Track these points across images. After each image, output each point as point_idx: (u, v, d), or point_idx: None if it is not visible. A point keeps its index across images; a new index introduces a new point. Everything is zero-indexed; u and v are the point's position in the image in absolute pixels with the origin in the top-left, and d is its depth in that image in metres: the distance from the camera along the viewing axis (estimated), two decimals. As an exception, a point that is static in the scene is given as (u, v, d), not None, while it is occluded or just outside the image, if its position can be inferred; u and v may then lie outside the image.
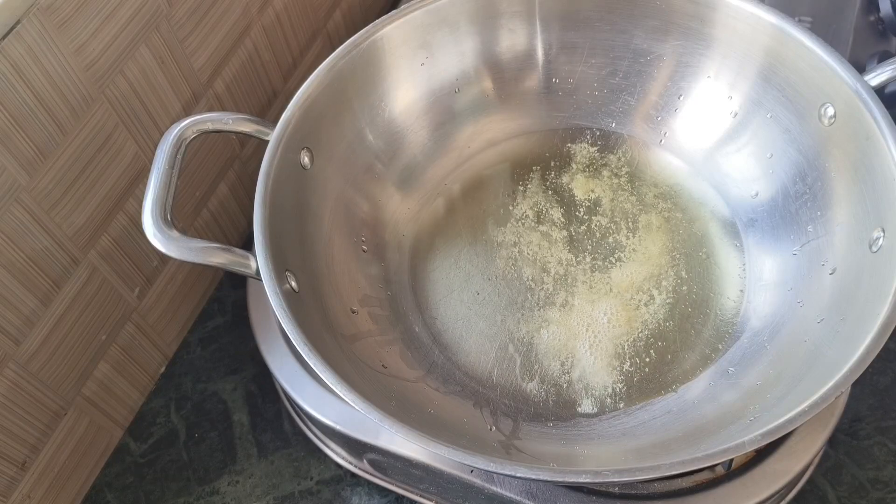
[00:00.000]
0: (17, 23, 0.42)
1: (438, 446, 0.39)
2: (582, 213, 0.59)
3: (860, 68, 0.54)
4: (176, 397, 0.60)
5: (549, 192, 0.60)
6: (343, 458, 0.55)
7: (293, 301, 0.45)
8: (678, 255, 0.57)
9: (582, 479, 0.38)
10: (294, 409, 0.56)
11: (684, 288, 0.55)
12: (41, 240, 0.48)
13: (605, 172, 0.61)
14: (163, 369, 0.62)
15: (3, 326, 0.47)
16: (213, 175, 0.61)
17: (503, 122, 0.62)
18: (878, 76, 0.49)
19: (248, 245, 0.48)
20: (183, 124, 0.48)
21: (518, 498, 0.48)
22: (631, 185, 0.60)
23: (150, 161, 0.50)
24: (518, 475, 0.40)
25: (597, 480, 0.38)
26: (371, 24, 0.55)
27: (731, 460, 0.47)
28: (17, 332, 0.48)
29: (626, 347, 0.53)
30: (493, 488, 0.48)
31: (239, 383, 0.61)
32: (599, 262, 0.57)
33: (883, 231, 0.46)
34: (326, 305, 0.50)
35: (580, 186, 0.60)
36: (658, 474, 0.40)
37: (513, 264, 0.57)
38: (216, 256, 0.45)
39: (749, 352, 0.51)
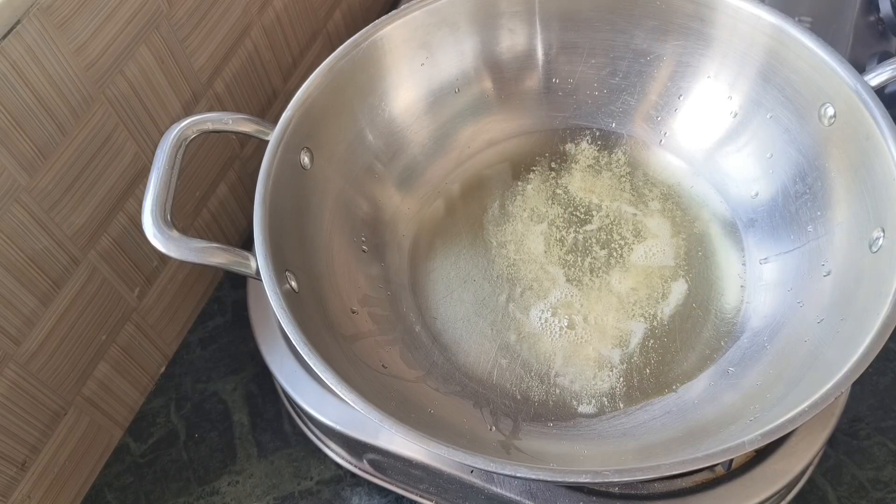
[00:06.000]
0: (17, 23, 0.43)
1: (438, 446, 0.39)
2: (582, 214, 0.59)
3: (860, 68, 0.54)
4: (176, 397, 0.60)
5: (549, 192, 0.60)
6: (343, 458, 0.55)
7: (293, 301, 0.45)
8: (678, 255, 0.57)
9: (582, 479, 0.38)
10: (294, 409, 0.56)
11: (684, 288, 0.55)
12: (41, 240, 0.48)
13: (605, 172, 0.61)
14: (163, 369, 0.62)
15: (3, 326, 0.47)
16: (213, 175, 0.61)
17: (503, 122, 0.62)
18: (878, 76, 0.49)
19: (248, 245, 0.48)
20: (183, 124, 0.48)
21: (518, 498, 0.48)
22: (631, 185, 0.60)
23: (150, 161, 0.50)
24: (518, 475, 0.40)
25: (597, 480, 0.38)
26: (371, 24, 0.55)
27: (731, 460, 0.47)
28: (17, 332, 0.48)
29: (626, 347, 0.53)
30: (493, 488, 0.48)
31: (239, 383, 0.61)
32: (599, 263, 0.57)
33: (883, 231, 0.46)
34: (326, 305, 0.50)
35: (580, 186, 0.60)
36: (658, 474, 0.40)
37: (512, 264, 0.57)
38: (216, 256, 0.45)
39: (749, 352, 0.51)
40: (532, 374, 0.52)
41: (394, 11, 0.56)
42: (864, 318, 0.43)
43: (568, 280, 0.56)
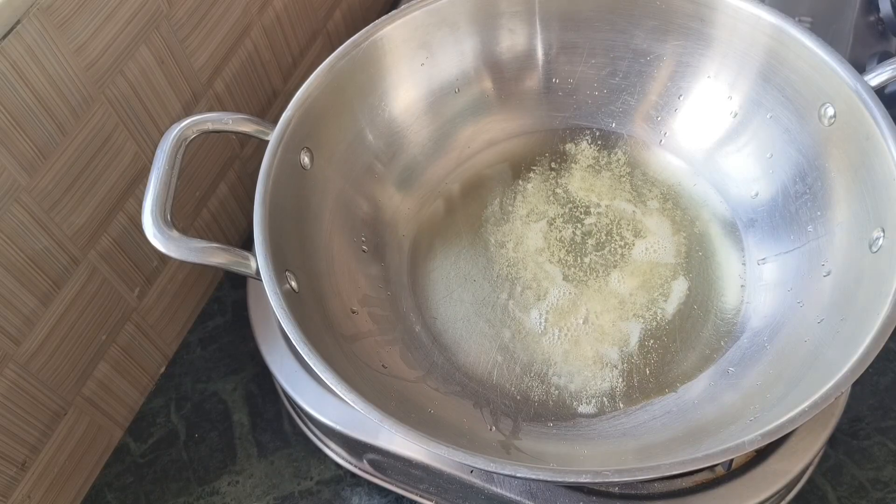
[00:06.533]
0: (17, 23, 0.43)
1: (438, 446, 0.39)
2: (581, 214, 0.59)
3: (860, 68, 0.54)
4: (176, 397, 0.60)
5: (549, 192, 0.60)
6: (343, 458, 0.55)
7: (293, 301, 0.45)
8: (678, 255, 0.57)
9: (582, 479, 0.38)
10: (294, 409, 0.56)
11: (684, 288, 0.55)
12: (41, 240, 0.48)
13: (605, 172, 0.61)
14: (163, 369, 0.62)
15: (3, 326, 0.47)
16: (213, 175, 0.61)
17: (503, 122, 0.62)
18: (878, 76, 0.49)
19: (248, 245, 0.48)
20: (183, 124, 0.48)
21: (518, 498, 0.48)
22: (631, 185, 0.60)
23: (150, 161, 0.50)
24: (518, 475, 0.40)
25: (597, 480, 0.38)
26: (371, 24, 0.55)
27: (731, 460, 0.47)
28: (17, 332, 0.48)
29: (625, 348, 0.53)
30: (493, 488, 0.48)
31: (239, 383, 0.61)
32: (599, 263, 0.57)
33: (883, 231, 0.46)
34: (326, 305, 0.50)
35: (580, 186, 0.60)
36: (658, 474, 0.40)
37: (512, 264, 0.57)
38: (216, 256, 0.45)
39: (749, 352, 0.51)
40: (532, 373, 0.52)
41: (394, 11, 0.56)
42: (864, 318, 0.43)
43: (568, 279, 0.56)
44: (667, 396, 0.51)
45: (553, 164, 0.62)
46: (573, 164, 0.61)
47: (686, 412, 0.49)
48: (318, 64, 0.53)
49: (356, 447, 0.52)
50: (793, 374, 0.46)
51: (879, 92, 0.48)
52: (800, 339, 0.48)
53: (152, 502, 0.56)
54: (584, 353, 0.53)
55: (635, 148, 0.61)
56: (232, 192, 0.64)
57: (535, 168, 0.62)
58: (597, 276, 0.56)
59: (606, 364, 0.52)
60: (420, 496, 0.53)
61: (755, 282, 0.54)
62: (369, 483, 0.55)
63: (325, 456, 0.56)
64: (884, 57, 0.60)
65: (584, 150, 0.62)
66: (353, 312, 0.52)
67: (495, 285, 0.56)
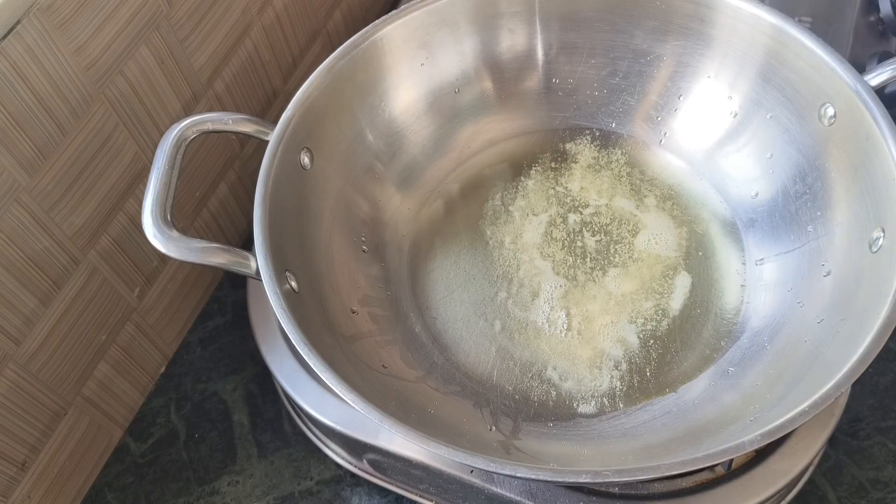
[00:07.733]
0: (17, 23, 0.43)
1: (438, 446, 0.39)
2: (581, 213, 0.59)
3: (860, 68, 0.54)
4: (176, 397, 0.60)
5: (549, 192, 0.60)
6: (343, 458, 0.55)
7: (293, 301, 0.45)
8: (678, 256, 0.57)
9: (582, 479, 0.38)
10: (294, 409, 0.56)
11: (684, 288, 0.55)
12: (41, 240, 0.48)
13: (605, 173, 0.61)
14: (163, 369, 0.62)
15: (3, 326, 0.47)
16: (213, 175, 0.61)
17: (503, 122, 0.62)
18: (878, 76, 0.49)
19: (248, 245, 0.48)
20: (183, 124, 0.48)
21: (518, 498, 0.48)
22: (631, 185, 0.60)
23: (150, 161, 0.50)
24: (518, 475, 0.40)
25: (597, 480, 0.38)
26: (371, 24, 0.55)
27: (731, 460, 0.47)
28: (17, 332, 0.48)
29: (625, 347, 0.53)
30: (493, 488, 0.48)
31: (239, 383, 0.61)
32: (599, 263, 0.57)
33: (883, 231, 0.46)
34: (326, 305, 0.50)
35: (580, 186, 0.60)
36: (658, 474, 0.40)
37: (512, 264, 0.57)
38: (216, 256, 0.45)
39: (749, 352, 0.51)
40: (531, 373, 0.52)
41: (394, 11, 0.56)
42: (864, 318, 0.43)
43: (568, 279, 0.56)
44: (667, 396, 0.51)
45: (553, 164, 0.62)
46: (573, 164, 0.61)
47: (686, 412, 0.49)
48: (318, 64, 0.53)
49: (356, 447, 0.52)
50: (793, 374, 0.46)
51: (879, 92, 0.48)
52: (800, 339, 0.48)
53: (152, 502, 0.56)
54: (583, 353, 0.53)
55: (635, 148, 0.61)
56: (232, 192, 0.64)
57: (534, 168, 0.62)
58: (597, 275, 0.56)
59: (606, 364, 0.52)
60: (420, 496, 0.53)
61: (755, 282, 0.54)
62: (369, 483, 0.55)
63: (325, 456, 0.56)
64: (884, 57, 0.60)
65: (584, 150, 0.62)
66: (353, 312, 0.52)
67: (495, 285, 0.56)
